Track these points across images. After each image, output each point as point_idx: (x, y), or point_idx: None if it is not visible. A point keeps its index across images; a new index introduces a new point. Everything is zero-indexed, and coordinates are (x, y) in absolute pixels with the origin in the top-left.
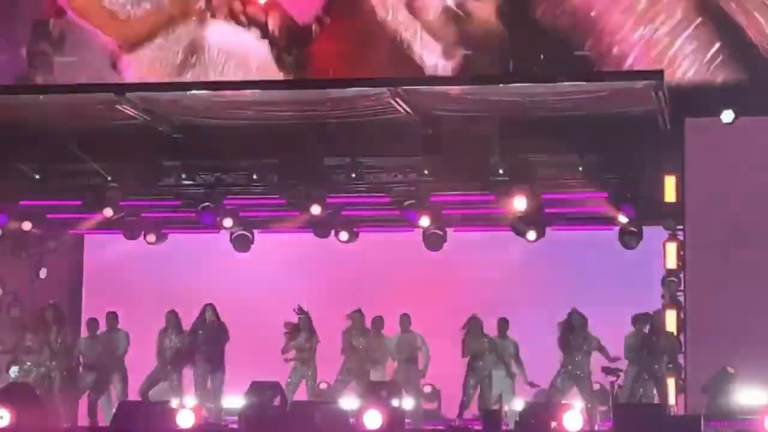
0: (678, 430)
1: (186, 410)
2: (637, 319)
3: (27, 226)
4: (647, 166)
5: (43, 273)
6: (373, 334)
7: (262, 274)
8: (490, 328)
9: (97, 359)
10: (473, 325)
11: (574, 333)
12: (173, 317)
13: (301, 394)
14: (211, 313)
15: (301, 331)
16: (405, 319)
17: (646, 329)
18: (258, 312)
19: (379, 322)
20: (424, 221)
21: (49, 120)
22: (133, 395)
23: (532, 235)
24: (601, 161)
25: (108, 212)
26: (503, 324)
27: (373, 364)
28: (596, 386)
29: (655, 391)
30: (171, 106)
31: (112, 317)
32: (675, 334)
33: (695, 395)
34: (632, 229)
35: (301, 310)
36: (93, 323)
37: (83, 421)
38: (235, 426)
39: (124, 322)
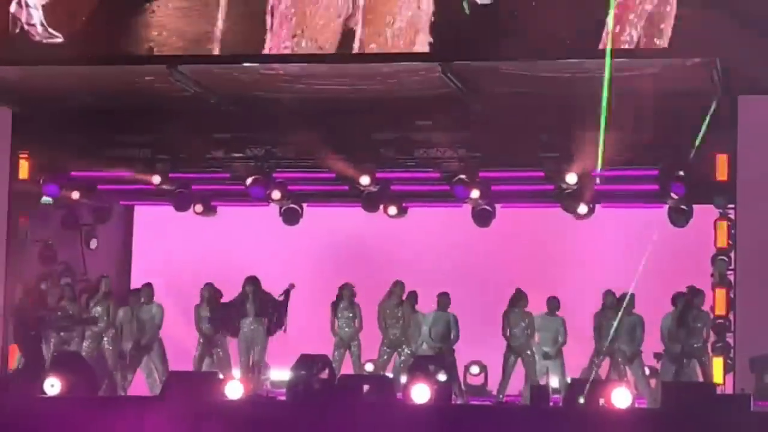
0: (726, 409)
1: (234, 381)
2: (676, 299)
3: (75, 195)
4: (698, 144)
5: (93, 244)
6: (409, 308)
7: (310, 247)
8: (539, 305)
9: (136, 331)
10: (515, 300)
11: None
12: (207, 291)
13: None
14: (253, 285)
15: (342, 306)
16: (442, 298)
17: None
18: (304, 285)
19: (412, 297)
20: (474, 196)
21: (101, 91)
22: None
23: (583, 209)
24: (652, 138)
25: (156, 180)
26: (552, 302)
27: (407, 339)
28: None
29: (699, 371)
30: (221, 78)
31: (149, 289)
32: (709, 312)
33: (744, 375)
34: (682, 207)
35: (345, 286)
36: (135, 294)
37: (134, 391)
38: (282, 398)
39: (171, 294)
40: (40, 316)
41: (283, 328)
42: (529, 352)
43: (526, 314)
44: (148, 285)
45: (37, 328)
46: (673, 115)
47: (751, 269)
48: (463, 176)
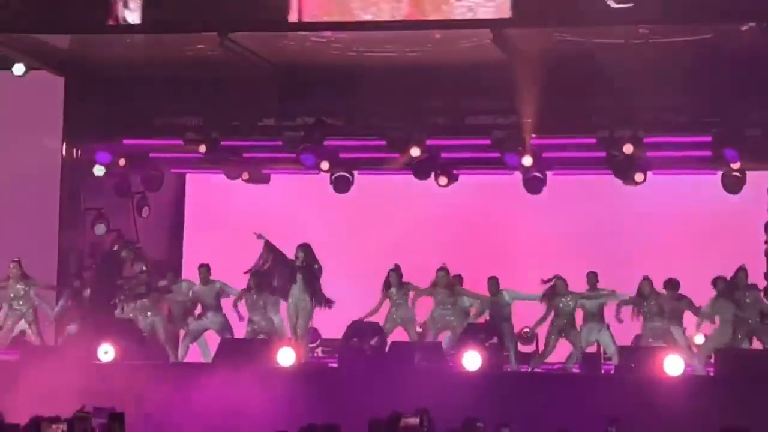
0: None
1: (287, 348)
2: (715, 283)
3: (122, 162)
4: (753, 110)
5: (145, 212)
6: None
7: (362, 215)
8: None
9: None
10: (557, 285)
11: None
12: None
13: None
14: (304, 253)
15: (391, 282)
16: (493, 283)
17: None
18: (354, 253)
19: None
20: (526, 162)
21: (151, 59)
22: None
23: (639, 176)
24: (706, 104)
25: (202, 149)
26: (592, 277)
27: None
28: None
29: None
30: (272, 46)
31: (205, 270)
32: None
33: None
34: (736, 173)
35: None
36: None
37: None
38: (334, 365)
39: (223, 264)
40: (119, 284)
41: (328, 304)
42: (568, 323)
43: (568, 295)
44: (205, 266)
45: (114, 296)
46: (728, 81)
47: None
48: (513, 143)
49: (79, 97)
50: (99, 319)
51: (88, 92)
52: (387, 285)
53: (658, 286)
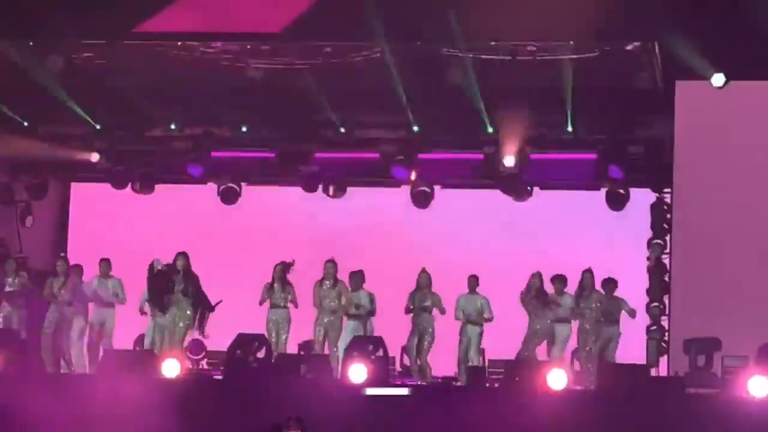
0: (661, 390)
1: (171, 359)
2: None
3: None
4: (637, 128)
5: (29, 221)
6: (351, 288)
7: (249, 227)
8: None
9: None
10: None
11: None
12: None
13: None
14: (182, 261)
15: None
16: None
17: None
18: (242, 265)
19: (358, 277)
20: (413, 178)
21: (39, 67)
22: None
23: (524, 191)
24: (590, 122)
25: (94, 158)
26: (472, 281)
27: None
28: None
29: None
30: (162, 56)
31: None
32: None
33: (679, 357)
34: (620, 190)
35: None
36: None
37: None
38: (219, 377)
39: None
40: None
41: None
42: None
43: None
44: (105, 260)
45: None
46: (613, 99)
47: (687, 252)
48: (401, 157)
49: None
50: None
51: None
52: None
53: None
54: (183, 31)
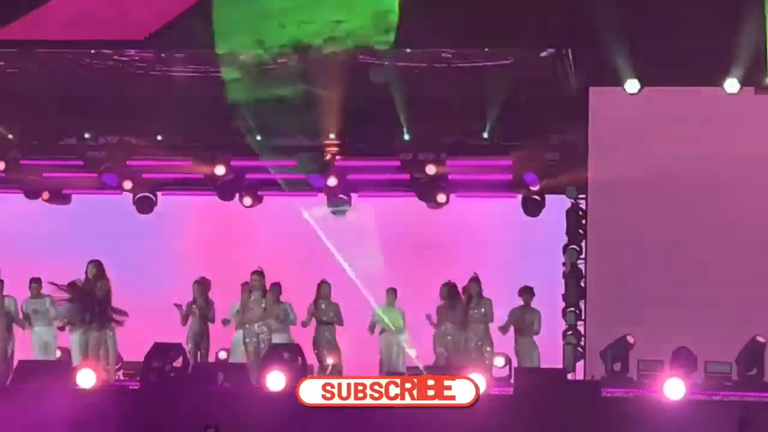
0: (577, 394)
1: (86, 370)
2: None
3: None
4: (551, 135)
5: None
6: (272, 300)
7: (165, 236)
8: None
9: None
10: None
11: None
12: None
13: None
14: (95, 270)
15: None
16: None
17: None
18: (160, 275)
19: (276, 289)
20: (330, 183)
21: None
22: None
23: (441, 198)
24: (505, 129)
25: (1, 166)
26: (390, 293)
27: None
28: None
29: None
30: (75, 64)
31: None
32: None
33: (594, 362)
34: (535, 197)
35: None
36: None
37: None
38: (136, 387)
39: (18, 284)
40: None
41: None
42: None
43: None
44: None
45: None
46: (527, 106)
47: (602, 258)
48: (317, 165)
49: None
50: None
51: None
52: None
53: None
54: (43, 39)
